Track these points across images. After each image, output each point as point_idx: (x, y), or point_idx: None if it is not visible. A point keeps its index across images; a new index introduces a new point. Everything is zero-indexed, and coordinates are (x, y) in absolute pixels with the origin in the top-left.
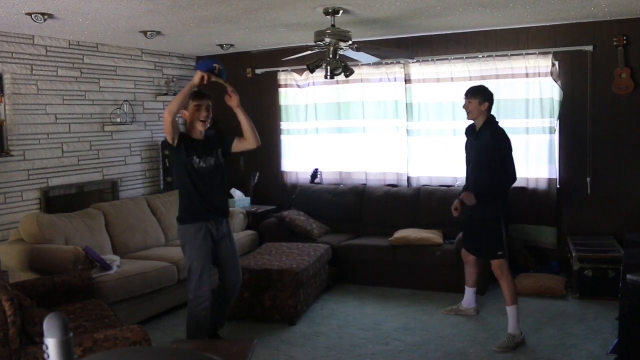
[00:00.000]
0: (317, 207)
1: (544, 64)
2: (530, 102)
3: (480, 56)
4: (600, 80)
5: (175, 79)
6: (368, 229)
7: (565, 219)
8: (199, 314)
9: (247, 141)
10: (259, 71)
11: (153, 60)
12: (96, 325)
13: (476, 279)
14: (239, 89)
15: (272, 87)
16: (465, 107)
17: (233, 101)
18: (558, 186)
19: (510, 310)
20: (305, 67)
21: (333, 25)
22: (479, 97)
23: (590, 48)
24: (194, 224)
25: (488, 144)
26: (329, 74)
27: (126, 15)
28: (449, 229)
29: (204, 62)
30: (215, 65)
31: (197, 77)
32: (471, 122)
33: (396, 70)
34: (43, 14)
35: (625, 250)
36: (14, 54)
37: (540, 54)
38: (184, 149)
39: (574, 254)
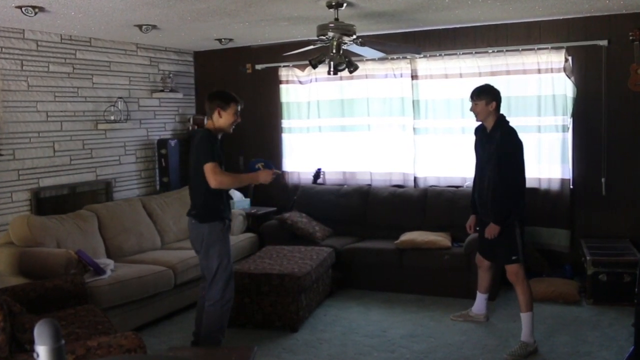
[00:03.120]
0: (319, 209)
1: (557, 59)
2: (542, 98)
3: (490, 51)
4: (615, 76)
5: (171, 75)
6: (373, 232)
7: (578, 221)
8: (225, 313)
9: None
10: (259, 66)
11: (148, 55)
12: (89, 331)
13: (489, 285)
14: (238, 85)
15: (272, 83)
16: (472, 109)
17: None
18: (571, 187)
19: (525, 317)
20: (307, 62)
21: (336, 19)
22: (485, 97)
23: (604, 42)
24: (221, 221)
25: (497, 146)
26: (332, 69)
27: (120, 8)
28: (457, 231)
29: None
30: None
31: (266, 176)
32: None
33: (402, 66)
34: (33, 7)
35: None
36: (3, 49)
37: (552, 48)
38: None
39: (587, 258)
